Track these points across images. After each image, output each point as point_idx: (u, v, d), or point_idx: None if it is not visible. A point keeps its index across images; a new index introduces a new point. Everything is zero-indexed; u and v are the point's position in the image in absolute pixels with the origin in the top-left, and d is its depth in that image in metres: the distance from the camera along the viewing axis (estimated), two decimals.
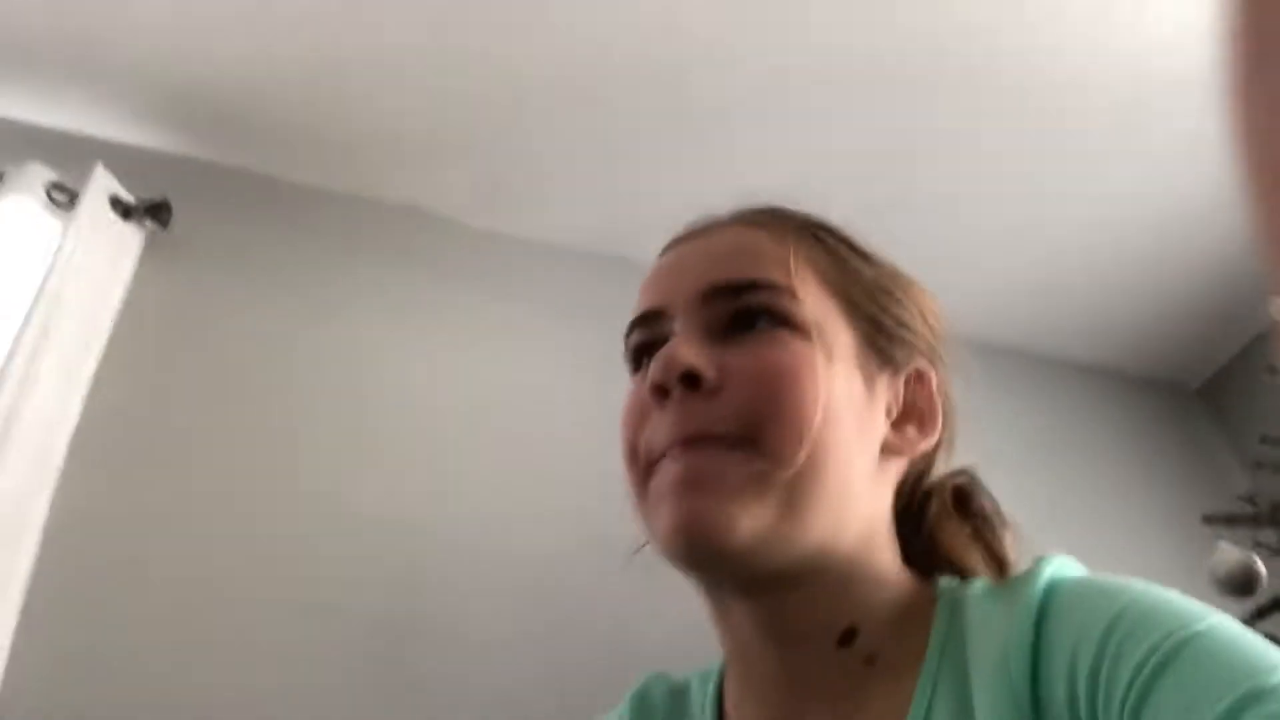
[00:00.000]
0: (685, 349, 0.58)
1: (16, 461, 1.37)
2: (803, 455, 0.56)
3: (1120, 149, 1.72)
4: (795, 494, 0.56)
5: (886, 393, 0.64)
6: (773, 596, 0.58)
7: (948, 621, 0.58)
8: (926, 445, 0.65)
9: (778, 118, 1.70)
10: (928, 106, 1.66)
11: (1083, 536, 1.11)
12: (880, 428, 0.62)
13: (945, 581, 0.63)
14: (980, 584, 0.61)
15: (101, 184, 1.65)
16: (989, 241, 1.97)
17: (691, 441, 0.57)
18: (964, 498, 0.67)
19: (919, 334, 0.66)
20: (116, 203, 1.69)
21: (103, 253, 1.63)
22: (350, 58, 1.66)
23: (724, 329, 0.60)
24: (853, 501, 0.59)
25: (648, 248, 2.29)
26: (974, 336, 2.22)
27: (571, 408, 1.79)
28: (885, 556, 0.62)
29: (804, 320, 0.59)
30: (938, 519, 0.66)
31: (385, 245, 1.94)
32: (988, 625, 0.55)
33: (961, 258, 2.02)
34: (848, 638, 0.59)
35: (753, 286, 0.60)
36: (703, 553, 0.55)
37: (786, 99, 1.66)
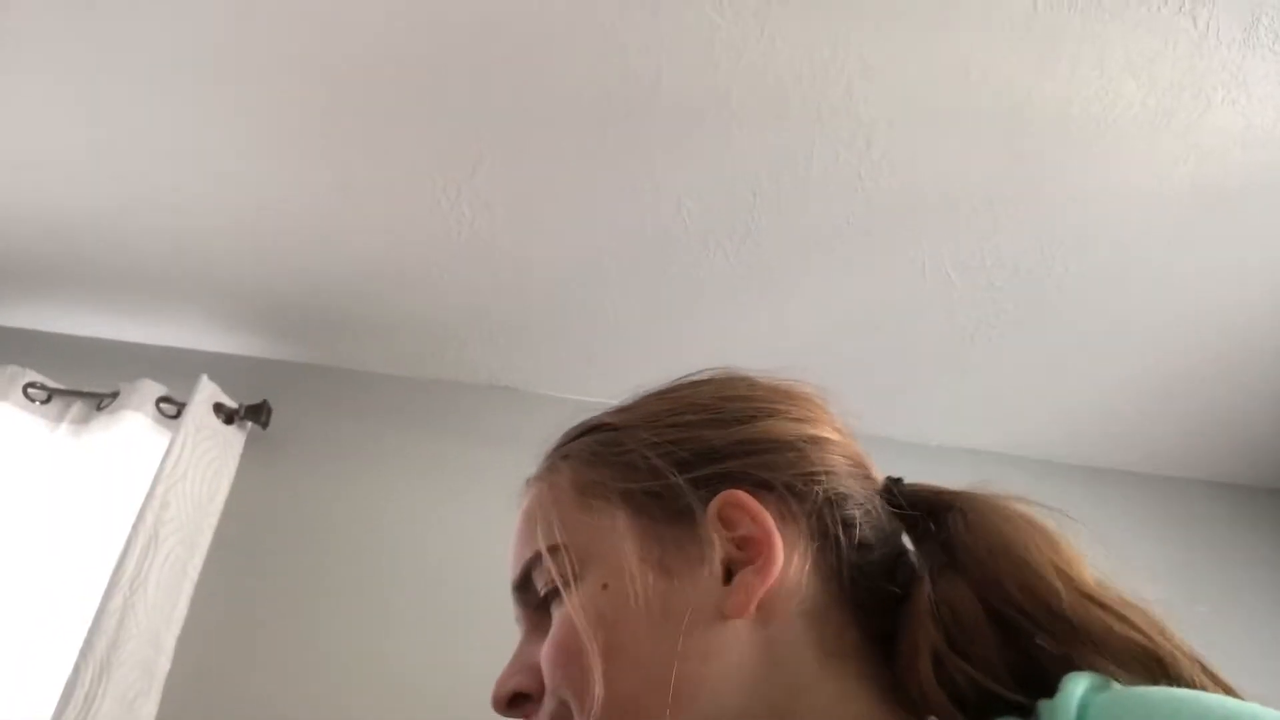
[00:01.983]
0: (504, 676, 0.56)
1: (128, 664, 1.40)
2: (616, 710, 0.49)
3: (1208, 254, 1.69)
4: None
5: (703, 554, 0.52)
6: None
7: None
8: (769, 577, 0.50)
9: (843, 257, 1.72)
10: (991, 232, 1.67)
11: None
12: (710, 599, 0.50)
13: None
14: None
15: (206, 393, 1.75)
16: (1074, 362, 1.93)
17: None
18: (954, 601, 0.50)
19: (709, 456, 0.55)
20: (219, 409, 1.78)
21: (207, 457, 1.70)
22: (432, 251, 1.76)
23: (537, 621, 0.57)
24: (704, 698, 0.49)
25: None
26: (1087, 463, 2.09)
27: None
28: (837, 715, 0.49)
29: (561, 577, 0.54)
30: (912, 640, 0.50)
31: (477, 426, 1.99)
32: None
33: (1053, 381, 1.98)
34: None
35: (526, 575, 0.57)
36: None
37: (851, 238, 1.69)
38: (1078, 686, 0.44)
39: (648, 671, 0.50)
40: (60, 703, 1.32)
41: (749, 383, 0.61)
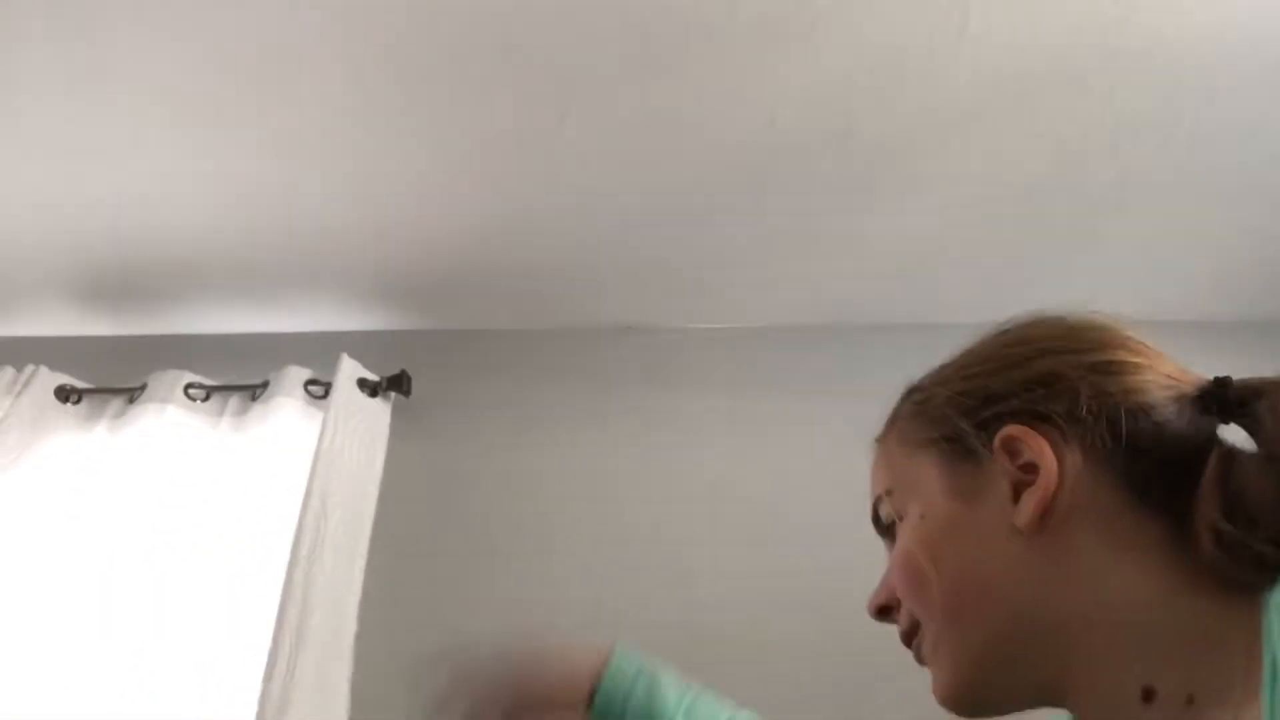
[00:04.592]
0: (874, 593, 0.70)
1: (318, 631, 1.50)
2: (943, 609, 0.63)
3: None
4: (953, 633, 0.63)
5: (994, 482, 0.63)
6: (1047, 695, 0.61)
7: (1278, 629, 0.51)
8: (1047, 493, 0.60)
9: (954, 143, 1.65)
10: (1110, 93, 1.57)
11: None
12: (1004, 518, 0.62)
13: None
14: None
15: (348, 371, 1.83)
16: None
17: (905, 643, 0.68)
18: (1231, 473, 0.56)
19: (991, 400, 0.65)
20: (363, 383, 1.86)
21: (359, 430, 1.78)
22: (534, 201, 1.77)
23: (890, 547, 0.71)
24: (1004, 595, 0.61)
25: (856, 308, 2.21)
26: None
27: (813, 485, 1.77)
28: (1134, 599, 0.57)
29: (894, 513, 0.69)
30: (1195, 519, 0.57)
31: (606, 369, 2.02)
32: None
33: (1198, 239, 1.87)
34: (1149, 695, 0.56)
35: (875, 512, 0.72)
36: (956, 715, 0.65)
37: (959, 122, 1.62)
38: None
39: (963, 581, 0.62)
40: (265, 675, 1.42)
41: (1035, 326, 0.70)
